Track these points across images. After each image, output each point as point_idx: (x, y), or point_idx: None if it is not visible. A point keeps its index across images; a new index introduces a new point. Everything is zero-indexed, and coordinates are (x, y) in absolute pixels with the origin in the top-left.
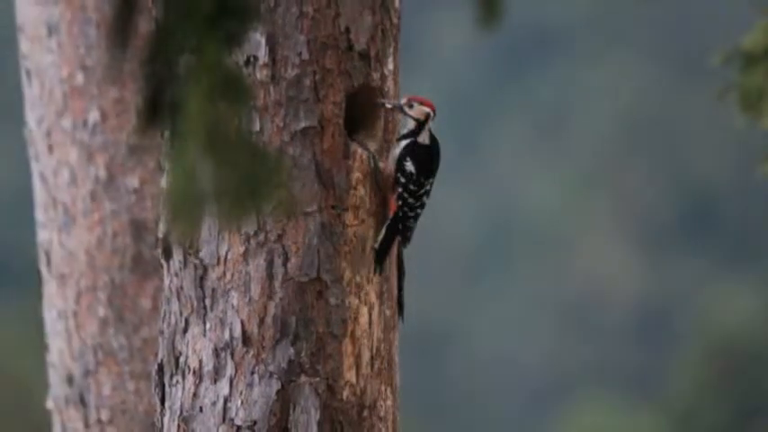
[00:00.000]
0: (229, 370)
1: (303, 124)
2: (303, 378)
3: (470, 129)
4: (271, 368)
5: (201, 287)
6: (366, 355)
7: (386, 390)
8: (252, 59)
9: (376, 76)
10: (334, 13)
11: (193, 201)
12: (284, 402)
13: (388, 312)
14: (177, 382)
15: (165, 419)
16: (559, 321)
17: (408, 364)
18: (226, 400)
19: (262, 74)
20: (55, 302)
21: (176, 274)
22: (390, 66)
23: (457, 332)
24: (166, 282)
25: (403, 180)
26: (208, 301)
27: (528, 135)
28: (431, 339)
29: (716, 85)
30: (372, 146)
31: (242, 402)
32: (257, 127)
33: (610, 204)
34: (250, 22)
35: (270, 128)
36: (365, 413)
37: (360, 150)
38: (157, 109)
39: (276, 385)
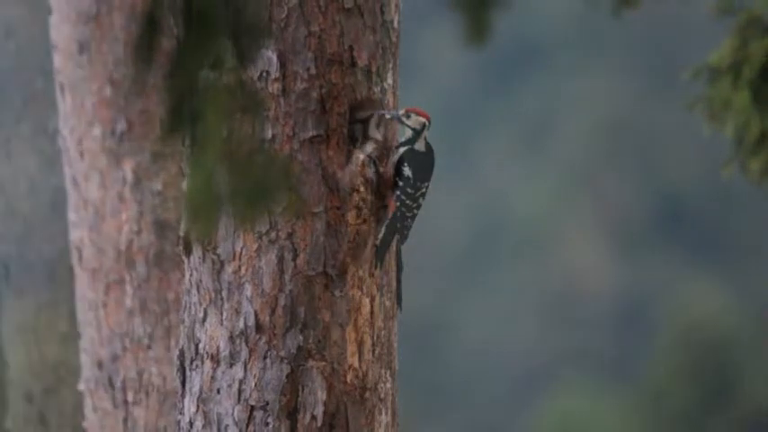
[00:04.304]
0: (244, 355)
1: (311, 133)
2: (311, 363)
3: (461, 137)
4: (281, 354)
5: (219, 280)
6: (368, 342)
7: (386, 373)
8: (264, 74)
9: (377, 89)
10: (339, 33)
11: (211, 203)
12: (294, 385)
13: (387, 303)
14: (197, 366)
15: (186, 401)
16: (543, 315)
17: (406, 352)
18: (241, 383)
19: (273, 87)
20: (86, 294)
21: (196, 269)
22: (390, 80)
23: (449, 324)
24: (187, 275)
25: (401, 183)
26: (224, 293)
27: (514, 142)
28: (425, 330)
29: (689, 95)
30: (373, 153)
31: (255, 385)
32: (269, 135)
33: (590, 207)
34: (262, 40)
35: (281, 136)
36: (367, 395)
37: (361, 156)
38: (179, 119)
39: (286, 369)
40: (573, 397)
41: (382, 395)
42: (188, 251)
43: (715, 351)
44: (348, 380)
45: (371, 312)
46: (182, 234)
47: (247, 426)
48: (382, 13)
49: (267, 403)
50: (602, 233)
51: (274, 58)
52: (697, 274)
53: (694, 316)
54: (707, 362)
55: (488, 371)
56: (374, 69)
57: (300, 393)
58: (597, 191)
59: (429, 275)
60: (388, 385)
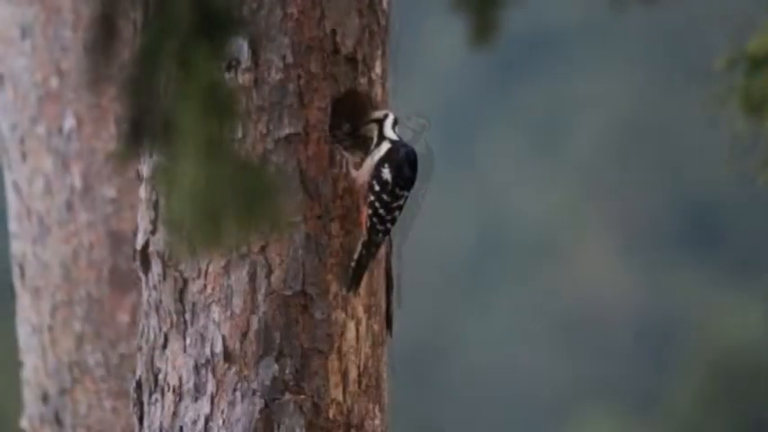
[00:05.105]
0: (211, 387)
1: (287, 131)
2: (287, 396)
3: (465, 137)
4: (254, 385)
5: (181, 301)
6: (353, 372)
7: (374, 408)
8: (234, 63)
9: (363, 80)
10: (320, 15)
11: (196, 221)
12: (268, 421)
13: (376, 327)
14: (156, 400)
15: None
16: (555, 338)
17: (398, 382)
18: (207, 420)
19: (244, 78)
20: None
21: (155, 288)
22: (378, 69)
23: (452, 345)
24: (144, 295)
25: (401, 183)
26: (188, 316)
27: (522, 144)
28: (425, 352)
29: (717, 89)
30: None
31: (224, 421)
32: (239, 134)
33: (607, 215)
34: (236, 32)
35: (252, 135)
36: None
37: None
38: (142, 129)
39: (259, 403)
40: (592, 429)
41: None
42: (146, 267)
43: (751, 379)
44: (330, 416)
45: (357, 338)
46: (138, 248)
47: None
48: None
49: None
50: (621, 245)
51: (245, 44)
52: (729, 291)
53: (727, 339)
54: (742, 391)
55: (494, 402)
56: (360, 57)
57: (276, 431)
58: (615, 197)
59: (426, 292)
60: (377, 422)
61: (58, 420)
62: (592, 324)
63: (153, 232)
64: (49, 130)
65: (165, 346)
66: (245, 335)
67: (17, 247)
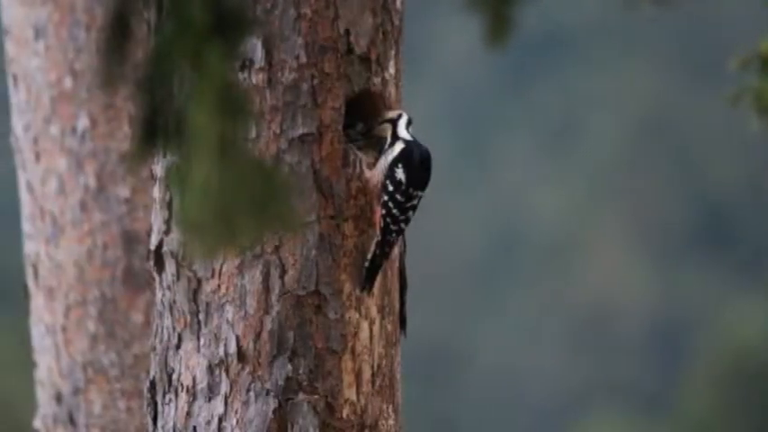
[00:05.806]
0: (224, 387)
1: (301, 131)
2: (301, 396)
3: (477, 137)
4: (267, 385)
5: (195, 301)
6: (367, 372)
7: (387, 408)
8: (247, 63)
9: (377, 80)
10: (334, 15)
11: (210, 220)
12: (281, 421)
13: (389, 327)
14: (170, 400)
15: None
16: (569, 336)
17: (412, 383)
18: (220, 419)
19: (258, 78)
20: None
21: (169, 288)
22: (392, 69)
23: (464, 347)
24: (158, 295)
25: (414, 183)
26: (202, 316)
27: (537, 144)
28: (437, 354)
29: (733, 88)
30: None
31: (237, 421)
32: (253, 134)
33: (622, 216)
34: (249, 32)
35: (266, 134)
36: None
37: (360, 157)
38: (155, 129)
39: (273, 403)
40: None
41: None
42: (160, 267)
43: (764, 380)
44: (344, 415)
45: (371, 338)
46: (152, 248)
47: None
48: None
49: None
50: (636, 245)
51: (259, 44)
52: (742, 292)
53: (741, 340)
54: (754, 392)
55: (506, 404)
56: (374, 57)
57: (289, 431)
58: (629, 197)
59: (439, 294)
60: (391, 422)
61: (72, 420)
62: (605, 325)
63: (167, 232)
64: (62, 130)
65: (178, 346)
66: (258, 335)
67: (31, 247)
